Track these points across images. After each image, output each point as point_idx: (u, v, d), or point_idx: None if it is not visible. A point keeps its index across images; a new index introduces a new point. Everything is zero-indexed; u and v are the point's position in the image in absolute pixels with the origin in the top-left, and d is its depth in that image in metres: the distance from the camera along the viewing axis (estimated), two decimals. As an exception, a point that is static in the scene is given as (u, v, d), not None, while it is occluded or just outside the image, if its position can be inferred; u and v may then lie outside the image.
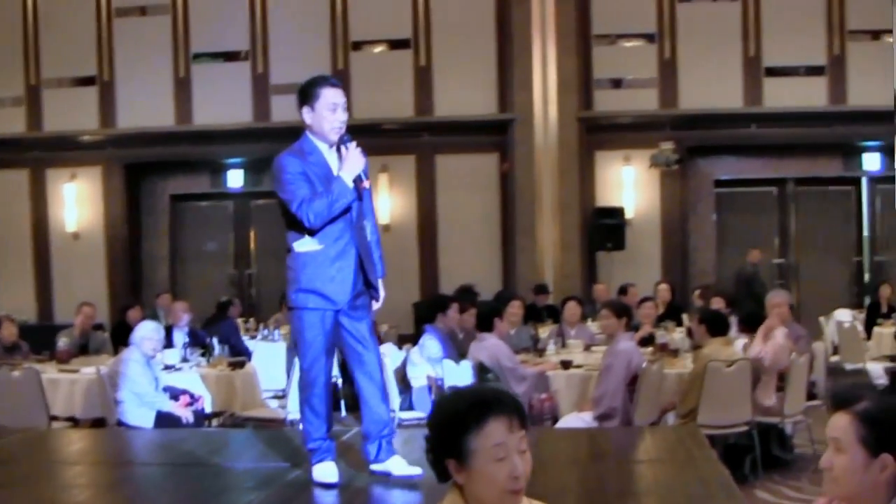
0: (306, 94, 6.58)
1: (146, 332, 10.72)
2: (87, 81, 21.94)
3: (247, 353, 14.12)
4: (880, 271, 21.77)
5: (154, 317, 17.21)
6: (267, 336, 15.56)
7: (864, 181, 22.12)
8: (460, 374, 10.51)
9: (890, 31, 20.90)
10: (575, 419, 10.40)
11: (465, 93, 21.01)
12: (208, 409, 11.31)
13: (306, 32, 21.39)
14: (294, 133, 19.57)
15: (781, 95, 21.07)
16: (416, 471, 6.50)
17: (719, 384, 10.14)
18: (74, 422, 11.45)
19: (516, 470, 3.45)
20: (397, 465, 6.63)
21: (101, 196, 21.98)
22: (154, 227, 22.45)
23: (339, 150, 6.56)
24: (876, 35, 21.16)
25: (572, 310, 14.28)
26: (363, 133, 20.80)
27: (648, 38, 21.26)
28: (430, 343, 11.63)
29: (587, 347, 13.20)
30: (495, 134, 20.85)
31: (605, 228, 20.40)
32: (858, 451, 3.68)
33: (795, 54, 21.16)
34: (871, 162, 21.87)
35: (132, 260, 22.17)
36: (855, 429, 3.68)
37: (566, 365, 11.50)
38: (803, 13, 21.02)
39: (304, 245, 6.46)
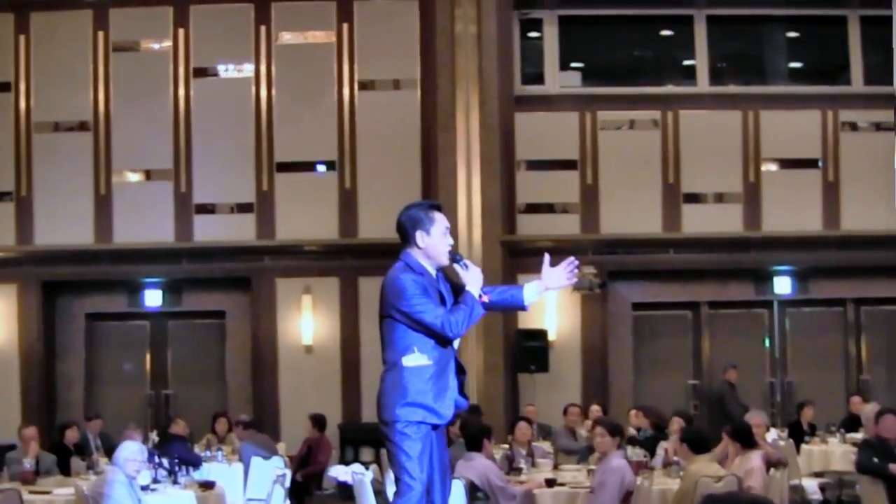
0: (419, 219, 6.85)
1: (129, 454, 10.56)
2: (3, 197, 21.65)
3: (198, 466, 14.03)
4: (792, 391, 22.21)
5: (85, 441, 17.03)
6: (210, 457, 15.37)
7: (775, 304, 22.61)
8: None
9: (803, 161, 21.65)
10: (568, 536, 10.50)
11: (389, 216, 20.67)
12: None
13: (231, 152, 21.39)
14: (218, 253, 19.58)
15: (699, 221, 21.57)
16: None
17: (708, 500, 10.22)
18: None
19: None
20: None
21: (16, 314, 21.57)
22: (69, 346, 22.00)
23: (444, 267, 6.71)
24: (789, 164, 21.79)
25: (523, 430, 14.36)
26: (286, 254, 21.13)
27: (571, 164, 21.64)
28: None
29: (555, 466, 13.37)
30: (419, 257, 20.91)
31: (529, 351, 20.54)
32: None
33: (713, 181, 21.71)
34: (783, 286, 22.39)
35: (46, 379, 21.73)
36: None
37: (550, 483, 11.66)
38: (720, 142, 21.60)
39: (414, 360, 6.58)
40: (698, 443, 10.87)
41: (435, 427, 6.61)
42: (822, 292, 22.47)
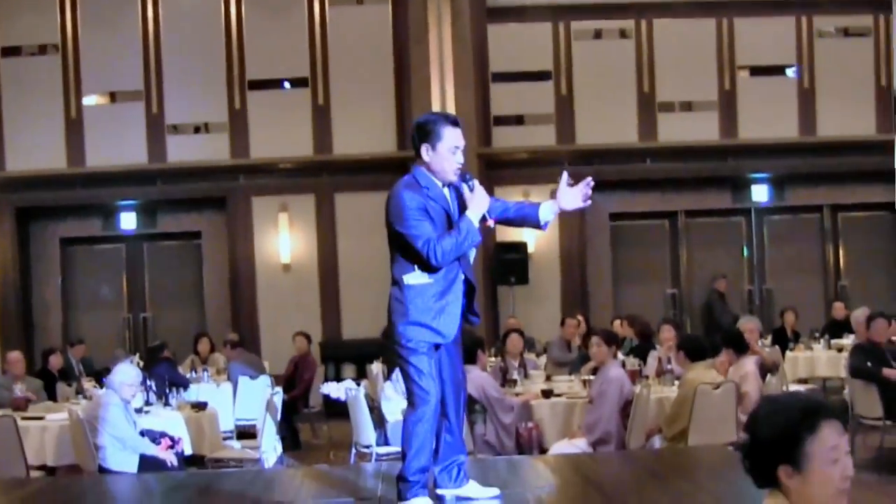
0: (426, 131, 6.50)
1: (125, 378, 10.43)
2: (-28, 124, 21.37)
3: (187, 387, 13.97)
4: (770, 299, 22.30)
5: (69, 367, 16.95)
6: (196, 378, 15.32)
7: (752, 212, 22.63)
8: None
9: (778, 67, 21.61)
10: (567, 446, 10.55)
11: (363, 131, 20.98)
12: (187, 451, 11.13)
13: (202, 71, 21.13)
14: (193, 174, 19.41)
15: (675, 130, 21.52)
16: (494, 492, 6.65)
17: (707, 407, 10.34)
18: (47, 470, 11.16)
19: (848, 470, 3.64)
20: (476, 490, 6.67)
21: (-9, 241, 21.45)
22: (45, 272, 21.84)
23: (456, 187, 6.51)
24: (765, 71, 21.74)
25: (515, 342, 14.26)
26: (261, 172, 20.96)
27: (545, 75, 21.54)
28: (405, 377, 11.50)
29: (548, 378, 13.50)
30: (395, 172, 20.56)
31: (508, 263, 20.51)
32: None
33: (688, 90, 21.65)
34: (760, 193, 22.42)
35: (23, 306, 21.60)
36: None
37: (547, 394, 11.70)
38: (695, 50, 21.53)
39: (415, 278, 6.37)
40: (696, 350, 10.83)
41: (437, 346, 6.52)
42: (798, 199, 22.52)
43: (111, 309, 22.16)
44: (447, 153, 6.42)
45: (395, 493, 6.49)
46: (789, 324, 18.76)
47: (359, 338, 20.41)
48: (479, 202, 6.43)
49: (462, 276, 6.49)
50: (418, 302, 6.36)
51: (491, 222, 6.59)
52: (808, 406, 3.65)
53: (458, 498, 6.63)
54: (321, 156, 21.19)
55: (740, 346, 11.46)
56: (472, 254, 6.62)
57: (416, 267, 6.37)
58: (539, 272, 20.99)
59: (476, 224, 6.37)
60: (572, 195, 6.54)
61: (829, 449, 3.59)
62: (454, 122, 6.52)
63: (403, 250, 6.39)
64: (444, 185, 6.50)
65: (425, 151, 6.46)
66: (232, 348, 16.46)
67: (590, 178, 6.58)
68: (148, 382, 12.68)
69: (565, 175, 6.61)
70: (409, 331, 6.36)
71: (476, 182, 6.48)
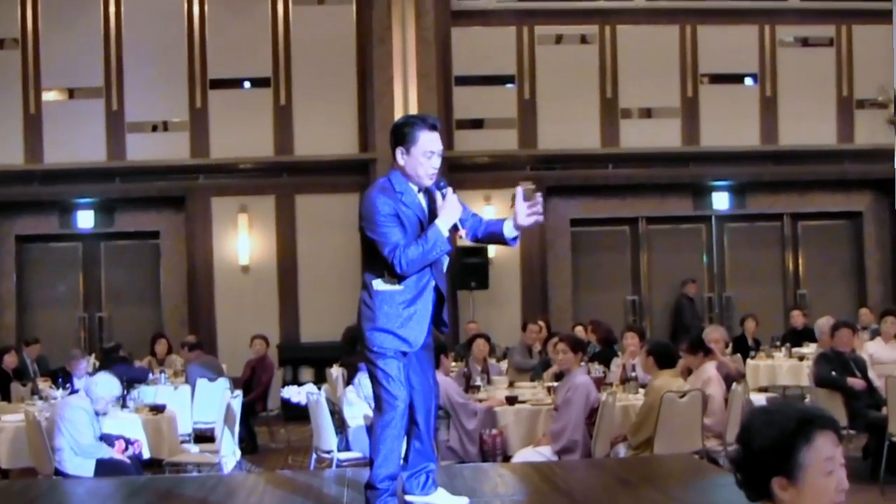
0: (402, 134, 6.35)
1: (106, 392, 10.43)
2: (-72, 118, 21.09)
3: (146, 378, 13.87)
4: (730, 306, 22.33)
5: (24, 366, 16.74)
6: (153, 380, 15.14)
7: (713, 219, 22.67)
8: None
9: (740, 75, 21.64)
10: (532, 454, 10.45)
11: (325, 132, 20.85)
12: (146, 455, 11.01)
13: (163, 69, 20.91)
14: (152, 172, 19.24)
15: (637, 136, 21.53)
16: (463, 500, 6.53)
17: (673, 415, 10.31)
18: (0, 472, 11.03)
19: (843, 483, 3.57)
20: (445, 498, 6.55)
21: (-54, 237, 21.20)
22: (0, 269, 21.64)
23: (428, 192, 6.38)
24: (727, 79, 21.77)
25: (481, 347, 14.25)
26: (221, 172, 20.77)
27: (508, 79, 21.50)
28: (367, 381, 11.36)
29: (511, 384, 13.50)
30: (356, 174, 20.67)
31: (469, 267, 20.39)
32: None
33: (651, 96, 21.65)
34: (720, 201, 22.46)
35: (-22, 303, 21.38)
36: None
37: (512, 401, 11.61)
38: (658, 57, 21.55)
39: (384, 284, 6.26)
40: (666, 357, 10.78)
41: (405, 353, 6.42)
42: (759, 207, 22.60)
43: (67, 308, 21.87)
44: (422, 157, 6.27)
45: (363, 501, 6.39)
46: (750, 331, 18.75)
47: (317, 341, 20.27)
48: (450, 211, 6.29)
49: (433, 284, 6.37)
50: (386, 308, 6.24)
51: (463, 232, 6.49)
52: (804, 415, 3.59)
53: None
54: (282, 156, 21.02)
55: (703, 351, 11.44)
56: (445, 262, 6.49)
57: (385, 273, 6.26)
58: (499, 277, 20.91)
59: (445, 233, 6.22)
60: (522, 211, 6.39)
61: (825, 460, 3.53)
62: (432, 127, 6.36)
63: (374, 255, 6.27)
64: (419, 191, 6.38)
65: (400, 154, 6.32)
66: (190, 350, 16.28)
67: (539, 196, 6.40)
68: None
69: (520, 192, 6.42)
70: (376, 337, 6.25)
71: (450, 190, 6.34)
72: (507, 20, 21.61)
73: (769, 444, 3.56)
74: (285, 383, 16.85)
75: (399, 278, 6.25)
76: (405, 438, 6.43)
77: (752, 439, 3.61)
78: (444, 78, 20.95)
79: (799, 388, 16.93)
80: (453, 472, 7.69)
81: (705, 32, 21.73)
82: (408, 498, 6.48)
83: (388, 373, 6.25)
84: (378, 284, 6.28)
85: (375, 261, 6.28)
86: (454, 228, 6.38)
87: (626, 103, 21.58)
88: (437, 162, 6.33)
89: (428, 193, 6.41)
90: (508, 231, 6.47)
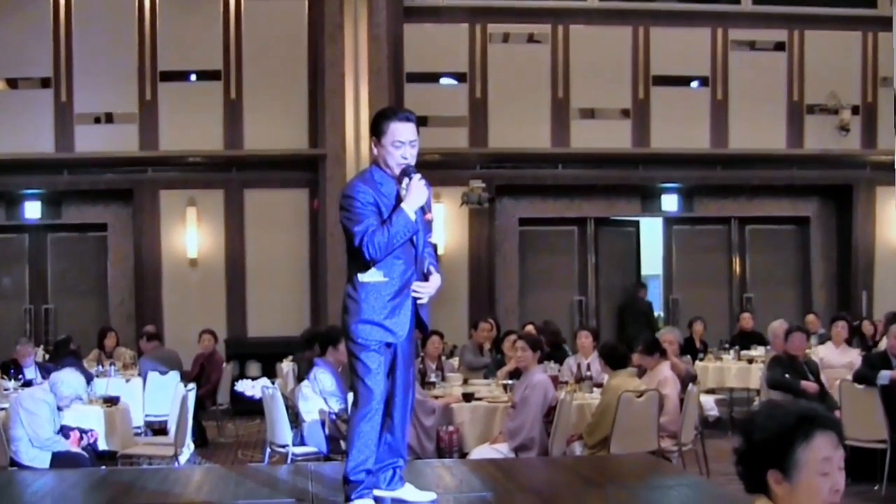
0: (375, 125, 6.47)
1: (72, 391, 10.48)
2: None
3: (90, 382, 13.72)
4: (677, 308, 22.44)
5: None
6: (102, 372, 15.01)
7: (662, 221, 22.78)
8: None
9: (691, 78, 21.73)
10: (489, 451, 10.50)
11: (275, 128, 20.73)
12: (102, 446, 10.95)
13: (112, 60, 20.68)
14: (100, 164, 19.04)
15: (587, 137, 21.56)
16: (430, 496, 6.57)
17: (630, 415, 10.40)
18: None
19: (838, 485, 3.61)
20: (413, 493, 6.59)
21: None
22: (-56, 260, 21.42)
23: (400, 181, 6.38)
24: (678, 81, 21.85)
25: (436, 344, 14.30)
26: (170, 165, 20.62)
27: (460, 77, 21.49)
28: (323, 377, 11.32)
29: (465, 381, 13.57)
30: (306, 170, 20.61)
31: (416, 266, 20.35)
32: None
33: (602, 97, 21.69)
34: (669, 203, 22.55)
35: (-79, 294, 21.12)
36: None
37: (468, 398, 11.65)
38: (610, 58, 21.60)
39: (369, 276, 6.27)
40: (616, 359, 10.85)
41: (389, 345, 6.43)
42: (707, 210, 22.76)
43: (12, 299, 21.65)
44: (391, 147, 6.34)
45: (328, 494, 6.38)
46: (697, 334, 18.90)
47: (264, 336, 20.24)
48: (415, 195, 6.30)
49: (416, 279, 6.40)
50: (372, 300, 6.26)
51: (430, 215, 6.53)
52: (806, 414, 3.62)
53: (395, 500, 6.52)
54: (231, 150, 20.88)
55: (656, 352, 11.52)
56: (426, 263, 6.53)
57: (370, 265, 6.27)
58: (447, 275, 20.69)
59: (412, 216, 6.25)
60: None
61: (821, 460, 3.56)
62: (403, 118, 6.42)
63: (354, 247, 6.30)
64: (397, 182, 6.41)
65: (373, 145, 6.42)
66: (148, 340, 16.24)
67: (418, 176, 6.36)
68: (50, 368, 12.52)
69: (416, 178, 6.40)
70: (361, 329, 6.25)
71: (417, 176, 6.36)
72: (459, 18, 21.59)
73: (768, 437, 3.61)
74: (235, 378, 16.79)
75: (387, 270, 6.27)
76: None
77: (754, 431, 3.66)
78: (395, 75, 20.86)
79: (747, 390, 17.10)
80: (417, 469, 7.66)
81: (657, 34, 21.79)
82: (374, 493, 6.47)
83: (369, 366, 6.27)
84: (365, 276, 6.29)
85: (359, 253, 6.29)
86: (423, 212, 6.40)
87: (578, 104, 21.60)
88: (407, 152, 6.38)
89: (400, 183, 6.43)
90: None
